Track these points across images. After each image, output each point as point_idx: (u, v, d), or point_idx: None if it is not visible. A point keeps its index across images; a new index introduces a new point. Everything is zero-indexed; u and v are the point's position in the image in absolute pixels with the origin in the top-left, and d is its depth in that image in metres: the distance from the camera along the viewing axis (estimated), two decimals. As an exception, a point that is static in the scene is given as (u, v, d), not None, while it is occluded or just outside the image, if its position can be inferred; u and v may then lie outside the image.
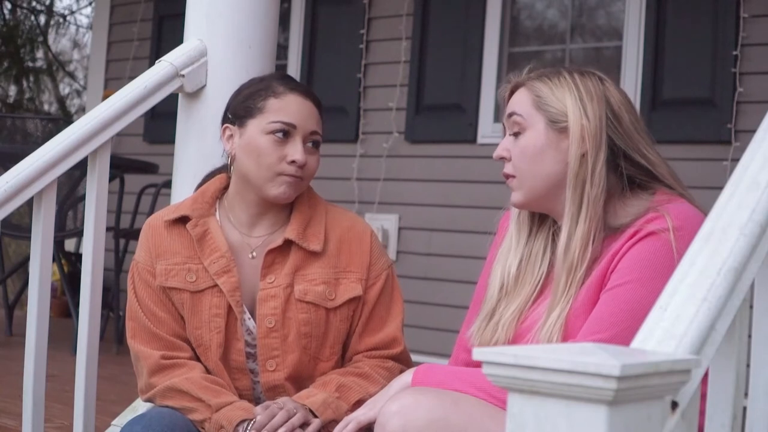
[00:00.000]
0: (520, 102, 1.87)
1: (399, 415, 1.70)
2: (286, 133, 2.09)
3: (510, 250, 1.94)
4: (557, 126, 1.83)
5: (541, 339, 1.79)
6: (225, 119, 2.19)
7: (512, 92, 1.91)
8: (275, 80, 2.16)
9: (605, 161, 1.80)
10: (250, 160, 2.10)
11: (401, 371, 2.11)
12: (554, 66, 1.94)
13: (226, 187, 2.20)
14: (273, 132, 2.08)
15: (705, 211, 1.76)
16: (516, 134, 1.87)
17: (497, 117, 4.82)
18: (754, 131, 1.47)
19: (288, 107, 2.10)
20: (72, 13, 11.93)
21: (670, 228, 1.71)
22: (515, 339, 1.87)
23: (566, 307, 1.77)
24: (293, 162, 2.07)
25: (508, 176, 1.89)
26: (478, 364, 1.94)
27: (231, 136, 2.15)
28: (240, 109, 2.14)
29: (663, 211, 1.75)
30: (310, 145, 2.12)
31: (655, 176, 1.85)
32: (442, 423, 1.68)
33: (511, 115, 1.87)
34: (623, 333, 1.67)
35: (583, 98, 1.82)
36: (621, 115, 1.83)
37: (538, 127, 1.84)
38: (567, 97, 1.82)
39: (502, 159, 1.89)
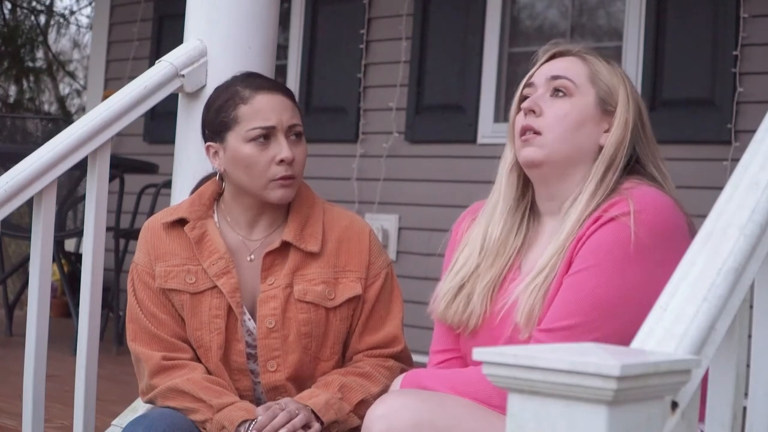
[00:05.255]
0: (574, 69, 1.86)
1: (383, 418, 1.71)
2: (266, 135, 2.08)
3: (495, 213, 1.91)
4: (605, 107, 1.84)
5: (524, 299, 1.77)
6: (205, 137, 2.18)
7: (554, 56, 1.90)
8: (239, 84, 2.13)
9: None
10: (240, 172, 2.09)
11: (402, 370, 2.12)
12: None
13: (223, 189, 2.19)
14: (254, 139, 2.07)
15: (681, 206, 1.77)
16: (557, 95, 1.85)
17: (497, 117, 4.82)
18: (754, 131, 1.47)
19: (260, 110, 2.08)
20: (72, 13, 11.93)
21: (631, 211, 1.71)
22: (492, 318, 1.85)
23: (551, 274, 1.77)
24: (282, 161, 2.07)
25: (529, 129, 1.84)
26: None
27: (216, 152, 2.14)
28: (215, 125, 2.13)
29: (626, 194, 1.75)
30: (293, 137, 2.11)
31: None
32: (427, 425, 1.69)
33: (558, 77, 1.85)
34: (588, 320, 1.69)
35: (629, 94, 1.86)
36: (645, 123, 1.87)
37: (587, 99, 1.84)
38: (620, 88, 1.86)
39: (531, 112, 1.85)
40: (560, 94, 1.85)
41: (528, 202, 1.92)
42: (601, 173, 1.80)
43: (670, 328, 1.24)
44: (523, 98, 1.89)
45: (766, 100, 3.99)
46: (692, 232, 1.73)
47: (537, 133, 1.83)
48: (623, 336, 1.47)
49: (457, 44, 4.91)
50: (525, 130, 1.85)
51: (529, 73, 1.91)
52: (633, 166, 1.84)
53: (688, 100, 4.22)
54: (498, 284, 1.86)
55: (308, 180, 2.25)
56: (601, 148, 1.83)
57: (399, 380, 1.91)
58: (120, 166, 4.54)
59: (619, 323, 1.68)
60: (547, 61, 1.90)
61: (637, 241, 1.69)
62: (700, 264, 1.29)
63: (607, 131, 1.84)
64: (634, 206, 1.71)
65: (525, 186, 1.91)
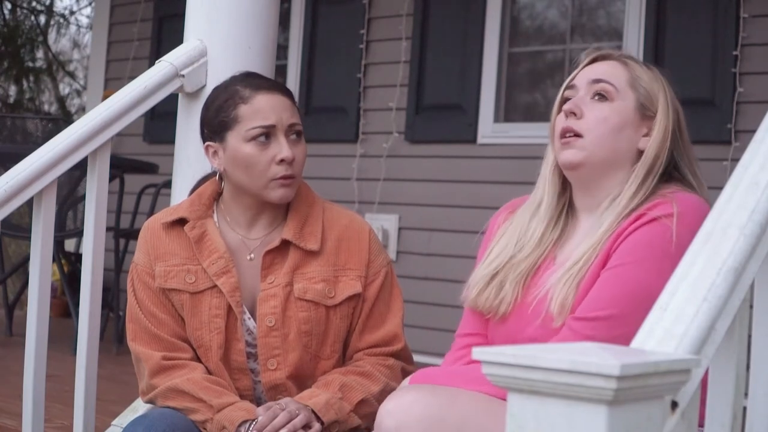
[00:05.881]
0: (615, 73, 1.89)
1: (394, 414, 1.71)
2: (266, 135, 2.08)
3: (539, 211, 1.93)
4: (645, 112, 1.87)
5: (558, 289, 1.79)
6: (204, 137, 2.18)
7: (594, 60, 1.93)
8: (238, 84, 2.13)
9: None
10: (240, 172, 2.09)
11: (403, 369, 2.12)
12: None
13: (223, 189, 2.19)
14: (254, 138, 2.07)
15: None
16: (598, 99, 1.87)
17: (497, 117, 4.82)
18: (754, 131, 1.47)
19: (260, 109, 2.08)
20: (72, 13, 11.93)
21: (674, 213, 1.75)
22: (523, 305, 1.86)
23: (585, 266, 1.80)
24: (282, 161, 2.07)
25: (570, 132, 1.87)
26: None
27: (215, 152, 2.14)
28: (215, 125, 2.13)
29: (671, 197, 1.79)
30: (293, 137, 2.11)
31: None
32: (437, 420, 1.69)
33: (599, 80, 1.88)
34: (623, 313, 1.71)
35: (669, 101, 1.89)
36: (683, 130, 1.91)
37: (628, 104, 1.87)
38: (660, 94, 1.89)
39: (572, 115, 1.87)
40: (601, 97, 1.87)
41: (567, 199, 1.95)
42: (641, 177, 1.83)
43: (670, 328, 1.24)
44: (564, 100, 1.92)
45: (766, 100, 3.99)
46: None
47: (577, 135, 1.86)
48: None
49: (457, 44, 4.91)
50: (565, 132, 1.88)
51: (571, 75, 1.94)
52: (671, 172, 1.87)
53: (688, 100, 4.20)
54: (531, 273, 1.89)
55: (308, 180, 2.25)
56: (639, 151, 1.86)
57: (408, 380, 1.91)
58: (120, 166, 4.54)
59: None
60: (588, 64, 1.93)
61: (678, 243, 1.71)
62: (700, 264, 1.29)
63: (646, 135, 1.87)
64: (678, 209, 1.75)
65: (564, 184, 1.95)
